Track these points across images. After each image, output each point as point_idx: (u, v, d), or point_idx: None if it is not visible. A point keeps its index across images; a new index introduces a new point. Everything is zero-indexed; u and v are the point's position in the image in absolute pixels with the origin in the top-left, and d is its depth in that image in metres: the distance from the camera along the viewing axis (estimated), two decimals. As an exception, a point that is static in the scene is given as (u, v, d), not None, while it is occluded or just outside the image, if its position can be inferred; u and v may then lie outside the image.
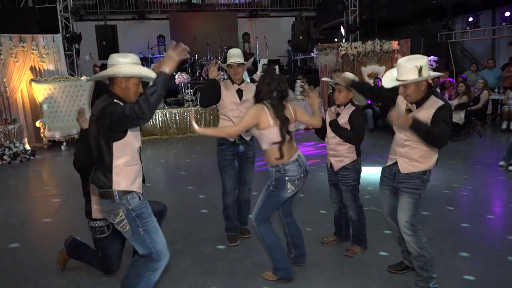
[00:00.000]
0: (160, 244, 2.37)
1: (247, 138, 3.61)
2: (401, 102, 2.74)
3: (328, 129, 3.29)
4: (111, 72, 2.28)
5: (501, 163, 6.02)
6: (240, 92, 3.59)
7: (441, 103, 2.57)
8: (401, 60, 2.58)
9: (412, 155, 2.69)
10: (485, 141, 8.18)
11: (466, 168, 6.17)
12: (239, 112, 3.52)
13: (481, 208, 4.48)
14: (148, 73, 2.29)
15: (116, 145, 2.26)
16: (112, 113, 2.15)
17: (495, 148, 7.33)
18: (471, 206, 4.67)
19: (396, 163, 2.77)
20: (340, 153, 3.27)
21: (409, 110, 2.66)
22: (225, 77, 3.68)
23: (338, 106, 3.28)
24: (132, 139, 2.32)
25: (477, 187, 5.22)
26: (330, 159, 3.36)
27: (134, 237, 2.33)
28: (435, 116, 2.55)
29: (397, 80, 2.60)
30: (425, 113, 2.57)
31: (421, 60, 2.53)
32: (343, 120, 3.22)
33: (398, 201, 2.76)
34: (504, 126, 8.95)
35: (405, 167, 2.72)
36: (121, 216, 2.30)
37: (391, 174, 2.82)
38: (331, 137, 3.29)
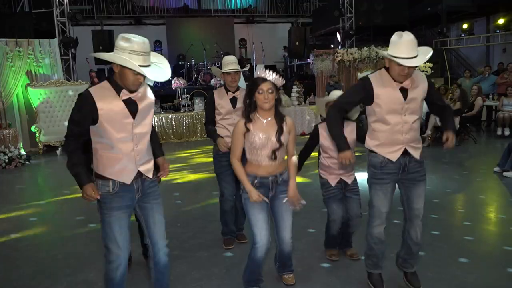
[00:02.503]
0: (111, 239, 2.26)
1: None
2: (393, 89, 2.53)
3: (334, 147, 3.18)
4: (106, 56, 2.13)
5: (496, 169, 6.06)
6: (234, 100, 3.58)
7: (422, 74, 2.64)
8: (408, 37, 2.40)
9: (417, 137, 2.66)
10: (479, 147, 8.24)
11: (461, 174, 6.20)
12: (233, 120, 3.51)
13: (476, 214, 4.50)
14: (141, 70, 2.08)
15: (92, 129, 2.21)
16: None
17: (489, 154, 7.39)
18: (466, 212, 4.70)
19: (403, 153, 2.61)
20: (351, 167, 3.27)
21: (403, 90, 2.53)
22: (222, 82, 3.69)
23: None
24: (108, 128, 2.17)
25: (472, 193, 5.24)
26: (337, 176, 3.27)
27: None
28: (431, 90, 2.64)
29: (409, 58, 2.41)
30: (421, 88, 2.58)
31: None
32: (352, 136, 3.18)
33: (392, 195, 2.72)
34: (498, 132, 9.02)
35: (417, 153, 2.65)
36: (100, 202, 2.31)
37: (398, 167, 2.63)
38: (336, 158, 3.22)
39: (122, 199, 2.29)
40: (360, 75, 11.37)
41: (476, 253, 3.50)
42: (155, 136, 2.59)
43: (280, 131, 2.62)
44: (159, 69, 2.21)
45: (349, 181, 3.29)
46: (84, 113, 2.16)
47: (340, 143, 2.63)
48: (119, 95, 2.19)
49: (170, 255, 2.48)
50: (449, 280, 3.06)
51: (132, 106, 2.24)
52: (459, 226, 4.21)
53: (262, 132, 2.60)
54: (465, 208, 4.84)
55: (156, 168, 2.50)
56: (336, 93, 3.26)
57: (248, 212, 2.71)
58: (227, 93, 3.60)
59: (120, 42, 2.09)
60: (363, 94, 2.59)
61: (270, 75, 2.56)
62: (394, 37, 2.46)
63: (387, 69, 2.57)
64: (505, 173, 5.85)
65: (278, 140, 2.60)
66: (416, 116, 2.61)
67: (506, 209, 4.71)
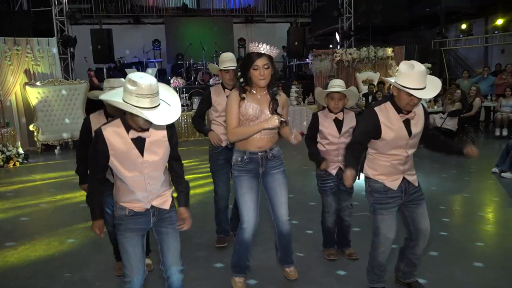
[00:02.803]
0: (125, 259, 2.26)
1: None
2: (399, 127, 2.52)
3: (340, 137, 3.22)
4: (115, 103, 2.03)
5: (494, 169, 6.07)
6: None
7: (420, 105, 2.64)
8: (420, 68, 2.38)
9: (413, 164, 2.69)
10: (478, 148, 8.21)
11: (459, 175, 6.21)
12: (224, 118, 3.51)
13: (474, 215, 4.51)
14: (146, 117, 1.97)
15: (110, 163, 2.19)
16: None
17: (488, 155, 7.39)
18: (465, 212, 4.71)
19: (402, 181, 2.64)
20: None
21: (406, 123, 2.54)
22: (220, 81, 3.66)
23: (335, 113, 3.24)
24: (118, 167, 2.16)
25: (470, 194, 5.25)
26: (337, 165, 3.26)
27: None
28: (427, 121, 2.65)
29: (420, 90, 2.40)
30: (421, 122, 2.60)
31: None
32: (351, 125, 3.22)
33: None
34: (497, 133, 9.04)
35: (415, 179, 2.69)
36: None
37: (401, 191, 2.64)
38: (341, 141, 3.22)
39: (137, 221, 2.27)
40: (359, 76, 11.40)
41: (474, 254, 3.51)
42: (178, 177, 2.44)
43: (274, 103, 2.59)
44: (168, 110, 2.10)
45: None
46: (99, 152, 2.16)
47: (349, 163, 2.53)
48: (128, 134, 2.14)
49: (183, 279, 2.42)
50: (448, 280, 3.06)
51: (139, 143, 2.15)
52: (457, 227, 4.21)
53: (256, 103, 2.57)
54: (463, 209, 4.85)
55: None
56: (336, 82, 3.21)
57: (236, 191, 2.68)
58: (224, 91, 3.56)
59: (127, 85, 2.00)
60: (372, 130, 2.55)
61: (265, 48, 2.48)
62: (405, 67, 2.42)
63: (392, 99, 2.54)
64: (503, 174, 5.86)
65: (272, 112, 2.57)
66: (415, 149, 2.65)
67: (504, 210, 4.72)
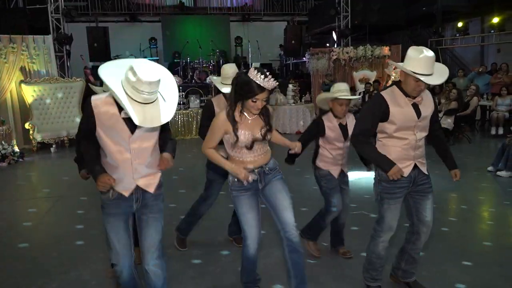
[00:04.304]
0: (111, 245, 2.28)
1: None
2: (407, 107, 2.51)
3: (345, 141, 3.22)
4: (112, 87, 1.99)
5: (490, 168, 6.10)
6: None
7: (428, 92, 2.65)
8: (429, 54, 2.37)
9: (424, 152, 2.69)
10: (474, 147, 8.28)
11: (456, 173, 6.23)
12: None
13: (470, 213, 4.53)
14: (133, 116, 1.96)
15: (96, 133, 2.18)
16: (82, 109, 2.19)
17: (483, 154, 7.43)
18: (461, 211, 4.72)
19: (414, 169, 2.62)
20: (347, 158, 3.34)
21: (415, 106, 2.52)
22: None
23: (340, 118, 3.23)
24: (105, 139, 2.15)
25: (466, 192, 5.27)
26: (339, 167, 3.29)
27: None
28: (435, 111, 2.68)
29: (429, 75, 2.40)
30: (430, 107, 2.60)
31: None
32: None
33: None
34: (493, 131, 9.08)
35: (425, 167, 2.68)
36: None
37: (409, 181, 2.62)
38: (345, 146, 3.25)
39: (119, 205, 2.27)
40: (356, 74, 11.41)
41: (471, 252, 3.52)
42: (169, 141, 2.45)
43: (267, 128, 2.52)
44: (162, 107, 2.06)
45: (345, 171, 3.35)
46: (87, 118, 2.18)
47: (386, 163, 2.51)
48: (120, 114, 2.12)
49: (161, 266, 2.36)
50: (445, 279, 3.08)
51: (132, 123, 2.06)
52: (453, 225, 4.23)
53: (248, 129, 2.47)
54: (460, 207, 4.87)
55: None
56: (343, 87, 3.17)
57: (237, 209, 2.64)
58: (226, 102, 3.50)
59: (129, 73, 1.96)
60: (380, 113, 2.53)
61: (269, 83, 2.33)
62: (414, 52, 2.41)
63: (398, 84, 2.55)
64: (499, 173, 5.89)
65: (264, 137, 2.51)
66: (425, 133, 2.64)
67: (500, 208, 4.74)
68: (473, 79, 10.41)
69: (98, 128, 2.15)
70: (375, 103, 2.57)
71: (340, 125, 3.22)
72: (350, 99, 3.17)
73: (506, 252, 3.53)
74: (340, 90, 3.14)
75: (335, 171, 3.28)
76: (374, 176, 2.74)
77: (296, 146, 2.72)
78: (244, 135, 2.46)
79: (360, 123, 2.62)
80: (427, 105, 2.58)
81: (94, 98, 2.16)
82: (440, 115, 8.34)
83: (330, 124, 3.21)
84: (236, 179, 2.58)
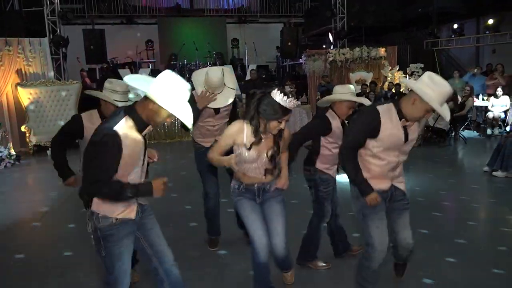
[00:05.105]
0: (123, 272, 2.15)
1: None
2: (397, 129, 2.42)
3: (341, 139, 3.16)
4: (149, 93, 1.96)
5: (485, 168, 6.12)
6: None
7: None
8: (447, 89, 2.31)
9: (402, 173, 2.62)
10: (469, 147, 8.32)
11: (451, 174, 6.26)
12: (212, 123, 3.49)
13: (466, 213, 4.55)
14: (184, 117, 2.01)
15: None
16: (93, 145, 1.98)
17: (479, 154, 7.46)
18: (456, 211, 4.75)
19: (390, 187, 2.57)
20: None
21: (404, 128, 2.44)
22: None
23: (339, 116, 3.19)
24: (123, 170, 2.04)
25: (462, 193, 5.30)
26: (335, 166, 3.24)
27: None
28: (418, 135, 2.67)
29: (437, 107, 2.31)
30: (417, 133, 2.55)
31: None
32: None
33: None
34: (488, 132, 9.13)
35: (403, 186, 2.64)
36: (90, 229, 2.14)
37: (386, 196, 2.56)
38: None
39: (127, 224, 2.14)
40: (352, 76, 11.44)
41: (466, 253, 3.54)
42: None
43: (273, 149, 2.52)
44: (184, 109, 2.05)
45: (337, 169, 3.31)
46: (111, 155, 1.98)
47: (365, 187, 2.45)
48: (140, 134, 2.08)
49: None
50: (439, 279, 3.09)
51: (144, 142, 2.12)
52: (449, 226, 4.25)
53: (257, 148, 2.49)
54: (455, 208, 4.89)
55: None
56: (351, 89, 3.14)
57: (240, 213, 2.65)
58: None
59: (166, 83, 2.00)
60: (371, 129, 2.42)
61: (291, 103, 2.36)
62: (436, 84, 2.30)
63: (396, 103, 2.42)
64: (494, 173, 5.91)
65: (271, 159, 2.51)
66: (406, 157, 2.58)
67: (495, 209, 4.77)
68: (468, 80, 10.46)
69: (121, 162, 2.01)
70: (369, 117, 2.43)
71: (342, 123, 3.18)
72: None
73: (501, 252, 3.55)
74: (352, 92, 3.12)
75: (334, 173, 3.23)
76: (351, 192, 2.60)
77: (283, 186, 2.70)
78: (251, 152, 2.47)
79: (352, 136, 2.50)
80: (415, 130, 2.50)
81: (118, 130, 1.96)
82: (436, 116, 8.38)
83: (334, 122, 3.13)
84: (236, 186, 2.62)
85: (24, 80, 8.94)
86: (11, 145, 8.06)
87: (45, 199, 5.49)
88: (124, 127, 1.98)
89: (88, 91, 3.22)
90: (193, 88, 2.87)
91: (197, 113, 3.26)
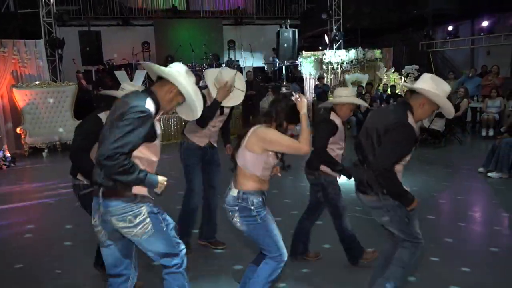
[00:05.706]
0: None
1: (216, 144, 3.60)
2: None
3: (344, 138, 3.23)
4: (172, 77, 2.10)
5: (480, 169, 6.15)
6: (222, 106, 3.43)
7: None
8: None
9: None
10: (465, 148, 8.36)
11: (446, 175, 6.29)
12: (213, 123, 3.48)
13: (461, 215, 4.57)
14: (198, 108, 2.25)
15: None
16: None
17: (474, 155, 7.50)
18: (451, 212, 4.77)
19: None
20: None
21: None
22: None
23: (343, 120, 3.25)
24: (147, 152, 2.12)
25: (457, 194, 5.32)
26: None
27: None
28: None
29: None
30: (417, 128, 2.62)
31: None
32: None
33: None
34: (483, 133, 9.17)
35: None
36: (143, 215, 2.11)
37: None
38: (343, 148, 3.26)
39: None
40: (347, 77, 11.48)
41: (460, 253, 3.56)
42: None
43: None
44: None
45: None
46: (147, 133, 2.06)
47: (411, 197, 2.42)
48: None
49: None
50: (434, 280, 3.10)
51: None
52: (444, 226, 4.27)
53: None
54: (450, 208, 4.91)
55: None
56: (343, 92, 3.17)
57: (269, 229, 2.46)
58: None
59: (183, 73, 2.20)
60: (412, 145, 2.46)
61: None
62: (442, 87, 2.44)
63: (409, 106, 2.46)
64: (489, 174, 5.94)
65: (280, 159, 2.51)
66: None
67: (490, 209, 4.79)
68: (464, 82, 10.51)
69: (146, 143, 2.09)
70: (409, 137, 2.40)
71: (343, 123, 3.23)
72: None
73: (497, 253, 3.57)
74: (355, 95, 3.21)
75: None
76: (382, 206, 2.49)
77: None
78: (273, 156, 2.46)
79: (391, 156, 2.38)
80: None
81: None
82: (432, 117, 8.42)
83: (338, 122, 3.16)
84: (260, 199, 2.44)
85: (20, 81, 8.91)
86: (6, 147, 8.01)
87: (40, 201, 5.46)
88: (152, 108, 2.05)
89: (106, 91, 3.18)
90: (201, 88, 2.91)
91: (217, 106, 3.29)
